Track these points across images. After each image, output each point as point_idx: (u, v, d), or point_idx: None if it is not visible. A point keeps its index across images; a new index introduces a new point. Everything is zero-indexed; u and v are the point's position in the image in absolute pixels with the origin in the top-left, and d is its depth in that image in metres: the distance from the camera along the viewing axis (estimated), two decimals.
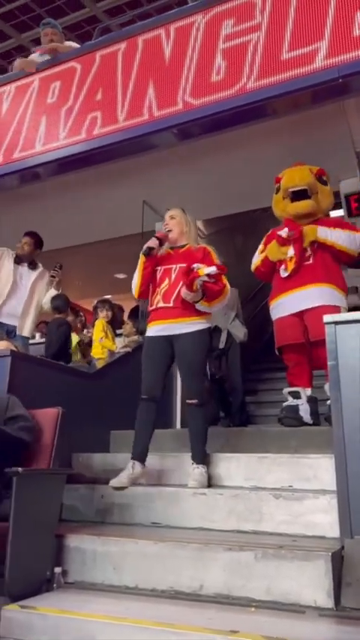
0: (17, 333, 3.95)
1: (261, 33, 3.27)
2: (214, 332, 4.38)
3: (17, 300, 3.99)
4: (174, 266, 2.84)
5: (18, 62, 4.22)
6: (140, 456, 2.76)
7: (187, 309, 2.77)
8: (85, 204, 4.42)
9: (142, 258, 2.89)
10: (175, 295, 2.78)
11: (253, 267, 3.53)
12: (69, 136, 3.70)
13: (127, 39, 3.70)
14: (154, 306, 2.87)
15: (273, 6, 3.27)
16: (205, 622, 1.65)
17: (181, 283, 2.76)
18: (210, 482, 2.71)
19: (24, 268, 4.10)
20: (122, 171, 4.01)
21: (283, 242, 3.25)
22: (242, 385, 4.50)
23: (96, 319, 5.08)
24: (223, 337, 4.48)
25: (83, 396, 3.33)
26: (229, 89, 3.30)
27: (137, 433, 2.79)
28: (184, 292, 2.73)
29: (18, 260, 4.09)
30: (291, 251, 3.22)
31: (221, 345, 4.46)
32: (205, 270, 2.68)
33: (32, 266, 4.14)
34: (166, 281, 2.84)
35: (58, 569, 2.17)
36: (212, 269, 2.69)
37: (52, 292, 4.14)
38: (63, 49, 4.03)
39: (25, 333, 4.02)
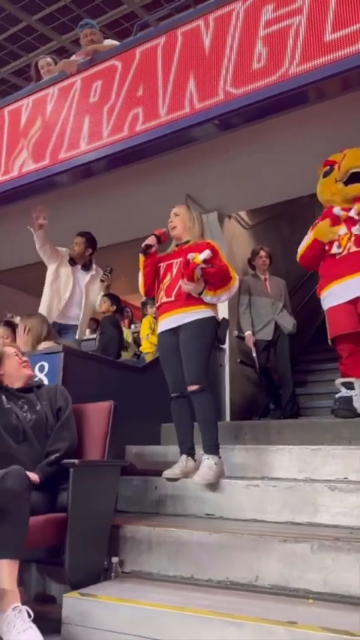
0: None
1: (302, 16, 3.19)
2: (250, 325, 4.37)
3: (74, 302, 4.05)
4: (175, 261, 2.84)
5: (59, 64, 4.29)
6: (188, 451, 2.79)
7: (189, 299, 2.76)
8: (129, 200, 4.47)
9: (141, 257, 2.88)
10: (176, 289, 2.78)
11: (299, 254, 3.45)
12: (112, 134, 3.74)
13: (166, 33, 3.70)
14: (158, 302, 2.89)
15: None
16: (262, 613, 1.66)
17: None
18: (262, 476, 2.69)
19: (78, 269, 4.11)
20: (164, 165, 4.03)
21: (335, 221, 3.18)
22: (292, 377, 4.44)
23: (144, 315, 5.14)
24: (271, 328, 4.43)
25: (134, 390, 3.38)
26: (271, 76, 3.24)
27: (177, 430, 2.84)
28: (183, 285, 2.72)
29: (72, 262, 4.09)
30: (343, 229, 3.14)
31: (269, 337, 4.42)
32: (200, 256, 2.65)
33: (85, 267, 4.13)
34: (168, 276, 2.84)
35: (115, 559, 2.23)
36: (206, 253, 2.66)
37: (102, 294, 4.18)
38: (102, 49, 4.07)
39: (79, 333, 4.10)
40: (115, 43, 4.22)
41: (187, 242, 2.90)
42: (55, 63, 4.48)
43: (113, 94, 3.79)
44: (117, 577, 2.18)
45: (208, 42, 3.50)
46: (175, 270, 2.82)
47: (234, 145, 3.84)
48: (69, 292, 4.01)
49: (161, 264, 2.90)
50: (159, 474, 2.76)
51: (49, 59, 4.63)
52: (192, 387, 2.70)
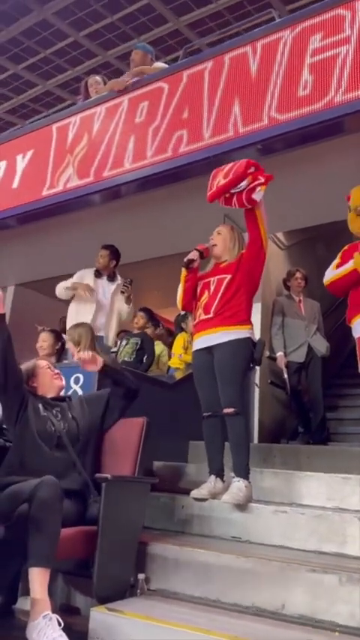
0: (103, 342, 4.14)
1: (350, 46, 3.23)
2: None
3: (102, 313, 4.19)
4: (212, 279, 2.85)
5: (108, 84, 4.42)
6: (218, 472, 2.78)
7: (227, 318, 2.73)
8: (169, 217, 4.55)
9: (183, 271, 2.91)
10: (215, 306, 2.77)
11: (328, 281, 3.42)
12: (156, 154, 3.83)
13: (214, 57, 3.78)
14: (196, 320, 2.89)
15: None
16: None
17: (219, 295, 2.77)
18: (290, 502, 2.68)
19: (103, 281, 4.30)
20: (202, 186, 4.08)
21: None
22: (323, 400, 4.41)
23: (179, 331, 5.17)
24: (304, 351, 4.42)
25: (163, 406, 3.42)
26: (316, 103, 3.28)
27: (207, 450, 2.83)
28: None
29: (97, 274, 4.30)
30: None
31: (301, 359, 4.41)
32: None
33: (110, 278, 4.33)
34: (206, 294, 2.84)
35: (141, 576, 2.26)
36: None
37: (125, 307, 4.28)
38: (149, 71, 4.18)
39: (109, 343, 4.21)
40: (164, 65, 4.33)
41: (225, 261, 2.90)
42: (104, 82, 4.62)
43: (159, 115, 3.89)
44: (143, 594, 2.20)
45: (255, 68, 3.57)
46: (212, 288, 2.82)
47: (273, 167, 3.87)
48: (94, 302, 4.15)
49: (200, 282, 2.92)
50: (185, 492, 2.78)
51: (98, 78, 4.79)
52: (227, 410, 2.67)
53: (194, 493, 2.70)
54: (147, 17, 8.38)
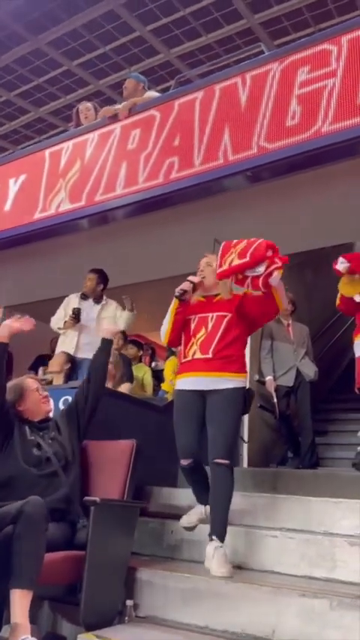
0: None
1: (336, 79, 3.35)
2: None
3: (85, 334, 4.23)
4: (211, 314, 2.61)
5: (102, 111, 4.52)
6: (207, 501, 2.60)
7: (228, 363, 2.53)
8: (159, 242, 4.61)
9: (174, 302, 2.65)
10: (214, 346, 2.53)
11: (337, 302, 3.56)
12: (147, 180, 3.90)
13: (205, 88, 3.89)
14: (189, 358, 2.60)
15: (349, 52, 3.35)
16: None
17: (219, 334, 2.54)
18: (280, 526, 2.66)
19: (88, 303, 4.34)
20: (194, 210, 4.17)
21: (350, 272, 3.27)
22: (312, 425, 4.42)
23: (169, 356, 5.18)
24: (292, 375, 4.45)
25: (153, 428, 3.40)
26: (304, 133, 3.37)
27: (194, 489, 2.66)
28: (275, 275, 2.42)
29: (83, 296, 4.35)
30: None
31: (290, 383, 4.43)
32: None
33: (97, 300, 4.36)
34: (203, 330, 2.59)
35: (129, 602, 2.22)
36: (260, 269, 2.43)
37: (126, 314, 4.29)
38: (140, 102, 4.28)
39: None
40: (156, 94, 4.44)
41: (219, 296, 2.69)
42: (95, 109, 4.73)
43: (151, 142, 3.97)
44: (131, 620, 2.16)
45: (244, 98, 3.67)
46: (210, 325, 2.58)
47: (262, 194, 3.97)
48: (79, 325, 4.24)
49: (193, 317, 2.67)
50: (175, 517, 2.75)
51: (88, 104, 4.90)
52: (221, 461, 2.44)
53: (183, 521, 2.65)
54: (139, 48, 8.60)
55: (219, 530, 2.40)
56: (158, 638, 1.94)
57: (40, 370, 4.71)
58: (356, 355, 3.30)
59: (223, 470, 2.44)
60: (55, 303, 4.58)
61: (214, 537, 2.37)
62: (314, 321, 5.32)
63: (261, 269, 2.41)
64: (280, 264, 2.43)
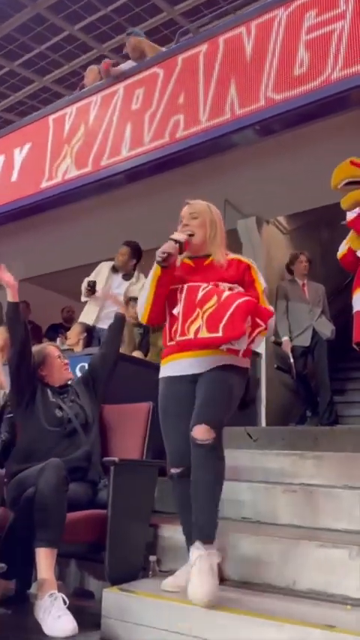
0: None
1: (345, 22, 3.19)
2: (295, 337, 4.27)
3: (109, 305, 4.14)
4: (202, 284, 2.00)
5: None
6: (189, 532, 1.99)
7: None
8: (168, 206, 4.52)
9: (156, 270, 2.03)
10: (226, 320, 1.91)
11: (339, 255, 3.41)
12: (153, 140, 3.81)
13: (208, 40, 3.76)
14: (190, 335, 1.97)
15: None
16: (301, 616, 1.66)
17: (235, 305, 1.91)
18: (297, 482, 2.65)
19: (118, 277, 4.20)
20: (203, 170, 4.07)
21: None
22: (330, 384, 4.39)
23: None
24: (309, 334, 4.41)
25: None
26: (313, 81, 3.25)
27: (182, 517, 2.06)
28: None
29: (114, 270, 4.20)
30: None
31: (307, 343, 4.39)
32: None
33: (126, 277, 4.19)
34: (212, 301, 1.96)
35: (152, 558, 2.27)
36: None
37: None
38: (149, 50, 4.11)
39: None
40: (159, 48, 4.28)
41: (209, 256, 2.09)
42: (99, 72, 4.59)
43: (155, 101, 3.87)
44: (154, 575, 2.21)
45: (249, 48, 3.54)
46: (200, 295, 1.98)
47: (274, 150, 3.86)
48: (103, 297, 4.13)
49: (180, 286, 2.05)
50: None
51: (94, 67, 4.76)
52: (202, 439, 1.86)
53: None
54: (141, 7, 8.31)
55: (206, 533, 1.85)
56: (178, 590, 1.97)
57: (58, 340, 4.75)
58: (355, 310, 3.21)
59: (206, 452, 1.87)
60: (68, 273, 4.58)
61: (197, 542, 1.83)
62: (330, 280, 5.22)
63: (242, 344, 1.91)
64: (263, 325, 1.94)
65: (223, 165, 4.01)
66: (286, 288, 4.56)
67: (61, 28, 8.59)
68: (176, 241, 2.02)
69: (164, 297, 2.09)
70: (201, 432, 1.87)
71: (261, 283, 2.07)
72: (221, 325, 1.87)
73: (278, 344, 4.45)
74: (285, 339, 4.39)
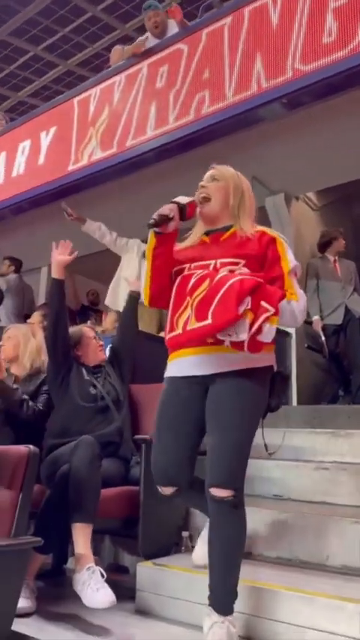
0: None
1: None
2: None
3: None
4: (212, 262, 1.66)
5: (126, 50, 4.33)
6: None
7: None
8: (195, 184, 4.48)
9: (150, 238, 1.70)
10: (214, 307, 1.52)
11: None
12: (178, 118, 3.76)
13: (233, 12, 3.66)
14: (179, 330, 1.61)
15: None
16: (333, 590, 1.66)
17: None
18: (328, 460, 2.63)
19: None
20: (229, 147, 4.00)
21: None
22: None
23: None
24: (341, 312, 4.33)
25: None
26: (342, 50, 3.13)
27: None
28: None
29: (144, 255, 4.20)
30: None
31: (339, 321, 4.32)
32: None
33: None
34: (204, 285, 1.58)
35: (185, 533, 2.30)
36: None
37: None
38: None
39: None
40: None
41: (229, 229, 1.73)
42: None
43: (179, 78, 3.81)
44: (187, 550, 2.24)
45: (276, 18, 3.43)
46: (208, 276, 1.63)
47: (303, 123, 3.76)
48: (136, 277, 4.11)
49: (187, 265, 1.70)
50: None
51: (119, 47, 4.71)
52: (220, 494, 1.55)
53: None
54: None
55: (221, 600, 1.56)
56: None
57: (89, 323, 4.80)
58: None
59: (226, 509, 1.56)
60: (94, 257, 4.59)
61: (213, 610, 1.55)
62: None
63: (241, 334, 1.50)
64: (271, 310, 1.50)
65: (250, 141, 3.93)
66: (316, 265, 4.48)
67: (84, 10, 8.53)
68: (178, 203, 1.67)
69: (167, 274, 1.72)
70: (221, 492, 1.55)
71: (289, 261, 1.66)
72: (210, 310, 1.50)
73: (309, 323, 4.38)
74: (315, 318, 4.32)
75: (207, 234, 1.76)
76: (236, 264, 1.62)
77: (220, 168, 1.82)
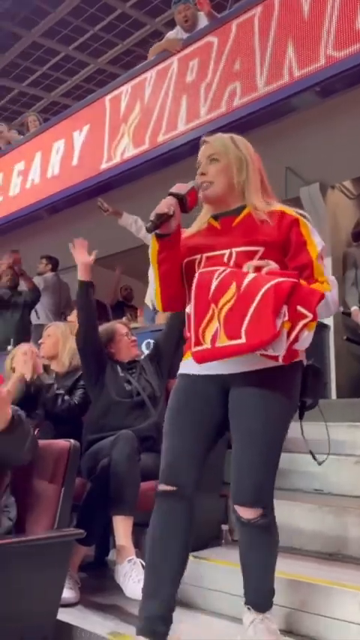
0: None
1: None
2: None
3: None
4: (226, 252, 1.47)
5: (162, 43, 4.33)
6: (162, 616, 1.44)
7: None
8: None
9: (152, 243, 1.51)
10: (247, 323, 1.36)
11: None
12: (209, 111, 3.75)
13: (263, 1, 3.61)
14: (206, 344, 1.43)
15: None
16: None
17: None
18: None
19: None
20: (262, 138, 3.95)
21: None
22: None
23: None
24: None
25: None
26: None
27: (151, 567, 1.49)
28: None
29: None
30: None
31: None
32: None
33: None
34: (230, 292, 1.37)
35: (225, 527, 2.31)
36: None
37: None
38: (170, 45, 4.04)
39: None
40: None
41: (241, 210, 1.52)
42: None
43: (210, 70, 3.79)
44: (227, 544, 2.25)
45: (307, 5, 3.37)
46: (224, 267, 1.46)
47: (337, 111, 3.69)
48: None
49: (198, 257, 1.52)
50: None
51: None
52: (249, 516, 1.43)
53: None
54: None
55: (258, 602, 1.51)
56: None
57: (124, 319, 4.86)
58: None
59: (256, 531, 1.45)
60: (128, 253, 4.62)
61: (251, 609, 1.50)
62: None
63: (279, 350, 1.33)
64: (309, 315, 1.33)
65: (283, 131, 3.88)
66: (355, 254, 4.38)
67: (113, 7, 8.57)
68: (176, 196, 1.44)
69: (177, 279, 1.53)
70: (248, 513, 1.42)
71: (316, 244, 1.47)
72: (243, 328, 1.32)
73: (347, 314, 4.30)
74: (354, 308, 4.24)
75: (216, 218, 1.54)
76: (254, 253, 1.43)
77: (213, 143, 1.58)
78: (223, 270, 1.40)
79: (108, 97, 4.60)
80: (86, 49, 9.45)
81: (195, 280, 1.44)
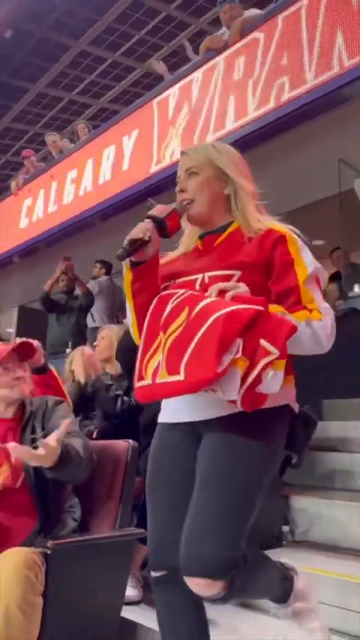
0: None
1: None
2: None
3: None
4: (199, 276, 1.28)
5: (205, 40, 4.32)
6: None
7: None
8: (279, 172, 4.39)
9: (125, 273, 1.31)
10: (187, 356, 1.14)
11: None
12: (258, 107, 3.71)
13: None
14: (147, 380, 1.22)
15: None
16: None
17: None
18: None
19: None
20: (313, 131, 3.88)
21: None
22: None
23: None
24: None
25: (294, 363, 3.34)
26: None
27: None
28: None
29: None
30: None
31: None
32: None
33: None
34: (180, 318, 1.16)
35: (285, 528, 2.30)
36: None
37: None
38: (248, 21, 3.99)
39: None
40: (257, 11, 4.12)
41: (227, 227, 1.33)
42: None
43: (257, 66, 3.75)
44: (288, 545, 2.23)
45: None
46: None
47: None
48: None
49: (172, 282, 1.31)
50: (323, 448, 2.73)
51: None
52: (199, 588, 1.11)
53: None
54: None
55: (280, 596, 1.39)
56: (316, 561, 1.97)
57: None
58: None
59: (220, 602, 1.14)
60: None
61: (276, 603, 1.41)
62: None
63: (229, 392, 1.08)
64: (275, 352, 1.07)
65: (335, 122, 3.78)
66: None
67: (158, 10, 8.64)
68: (154, 219, 1.27)
69: (147, 306, 1.27)
70: (197, 587, 1.11)
71: (305, 265, 1.22)
72: (183, 362, 1.10)
73: None
74: None
75: (201, 238, 1.35)
76: (229, 277, 1.21)
77: (193, 154, 1.37)
78: (182, 294, 1.20)
79: (155, 101, 4.64)
80: (132, 54, 9.58)
81: (152, 304, 1.25)
